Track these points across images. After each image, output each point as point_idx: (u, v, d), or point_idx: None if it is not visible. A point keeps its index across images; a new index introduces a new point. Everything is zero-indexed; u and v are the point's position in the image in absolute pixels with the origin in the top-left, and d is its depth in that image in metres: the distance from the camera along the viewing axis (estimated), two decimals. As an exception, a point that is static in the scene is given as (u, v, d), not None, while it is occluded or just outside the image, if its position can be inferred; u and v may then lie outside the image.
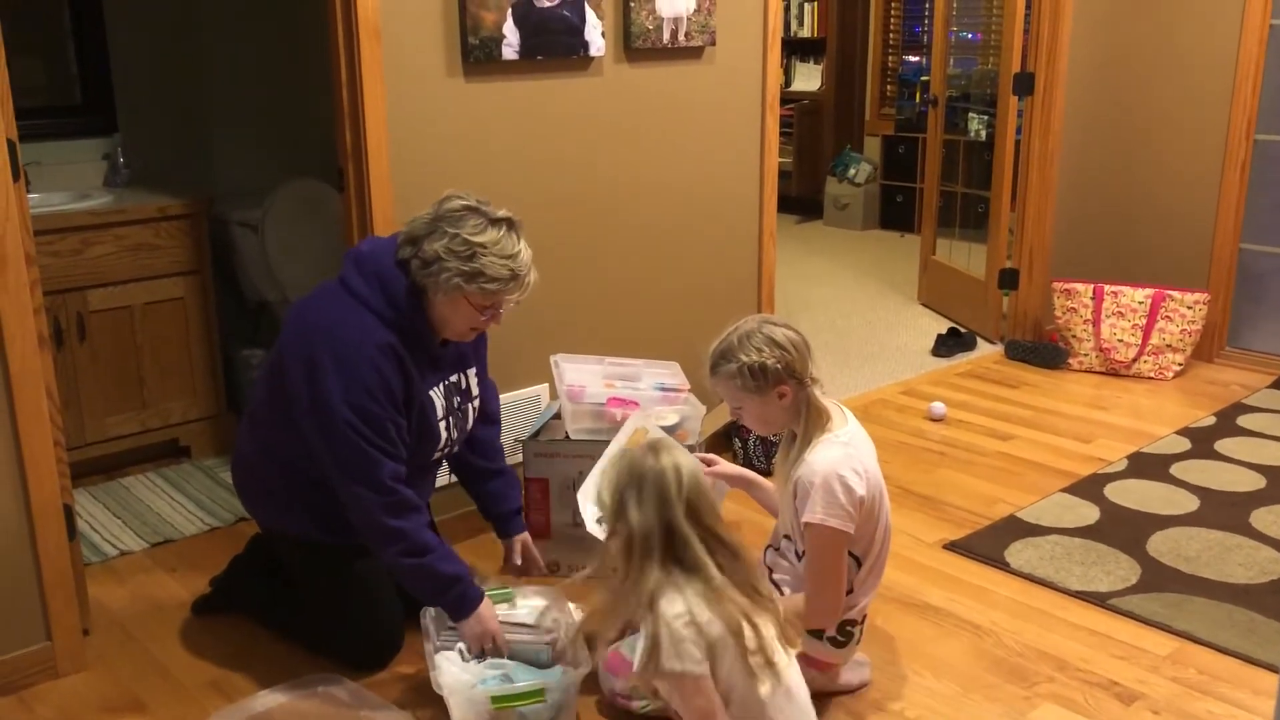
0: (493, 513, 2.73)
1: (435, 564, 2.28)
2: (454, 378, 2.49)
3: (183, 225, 3.51)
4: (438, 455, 2.51)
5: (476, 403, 2.58)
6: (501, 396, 3.02)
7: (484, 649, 2.29)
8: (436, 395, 2.43)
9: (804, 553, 2.21)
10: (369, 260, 2.32)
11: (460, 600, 2.29)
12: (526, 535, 2.73)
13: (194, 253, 3.55)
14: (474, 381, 2.56)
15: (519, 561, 2.72)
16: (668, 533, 1.83)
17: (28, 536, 2.36)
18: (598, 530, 2.23)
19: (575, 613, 2.37)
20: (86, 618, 2.57)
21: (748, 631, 1.83)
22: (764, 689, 1.85)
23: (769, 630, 1.86)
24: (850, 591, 2.24)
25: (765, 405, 2.19)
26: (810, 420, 2.18)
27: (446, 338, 2.38)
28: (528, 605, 2.40)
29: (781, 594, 2.27)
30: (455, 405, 2.49)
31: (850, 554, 2.21)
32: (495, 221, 2.26)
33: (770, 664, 1.84)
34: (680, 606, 1.81)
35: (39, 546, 2.37)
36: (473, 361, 2.56)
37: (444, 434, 2.46)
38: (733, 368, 2.17)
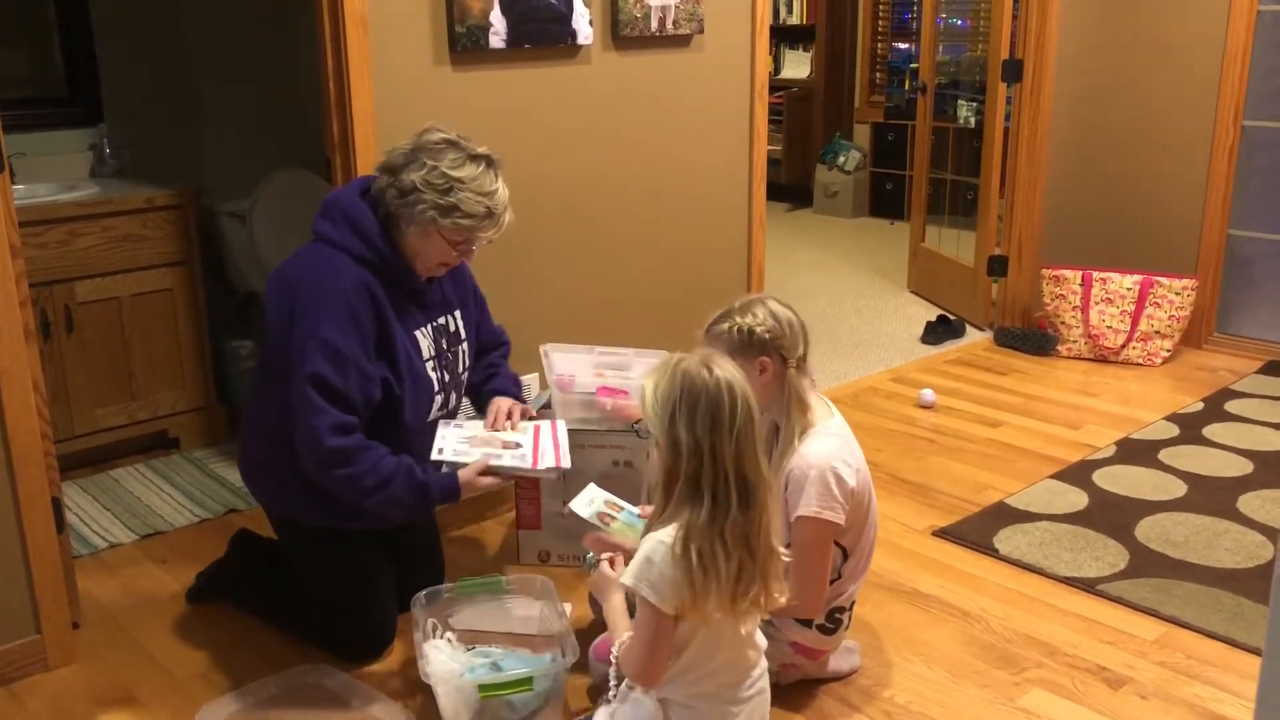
0: (484, 391, 2.63)
1: (398, 490, 2.26)
2: (441, 320, 2.47)
3: (170, 216, 3.50)
4: (435, 413, 2.48)
5: (467, 346, 2.56)
6: (491, 386, 3.02)
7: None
8: (423, 336, 2.41)
9: (789, 544, 2.21)
10: (334, 203, 2.32)
11: (444, 496, 2.32)
12: (505, 400, 2.58)
13: (182, 243, 3.54)
14: (462, 325, 2.54)
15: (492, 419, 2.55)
16: (711, 461, 1.76)
17: (16, 529, 2.35)
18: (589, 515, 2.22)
19: (567, 608, 2.38)
20: (76, 610, 2.57)
21: (733, 586, 1.78)
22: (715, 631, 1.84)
23: (753, 592, 1.81)
24: (838, 579, 2.25)
25: (746, 376, 2.18)
26: (792, 407, 2.18)
27: (419, 271, 2.35)
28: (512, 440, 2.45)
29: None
30: (444, 348, 2.47)
31: (837, 544, 2.22)
32: (475, 158, 2.27)
33: (738, 621, 1.83)
34: (669, 536, 1.78)
35: (27, 539, 2.36)
36: (458, 304, 2.54)
37: (434, 378, 2.43)
38: (725, 326, 2.18)
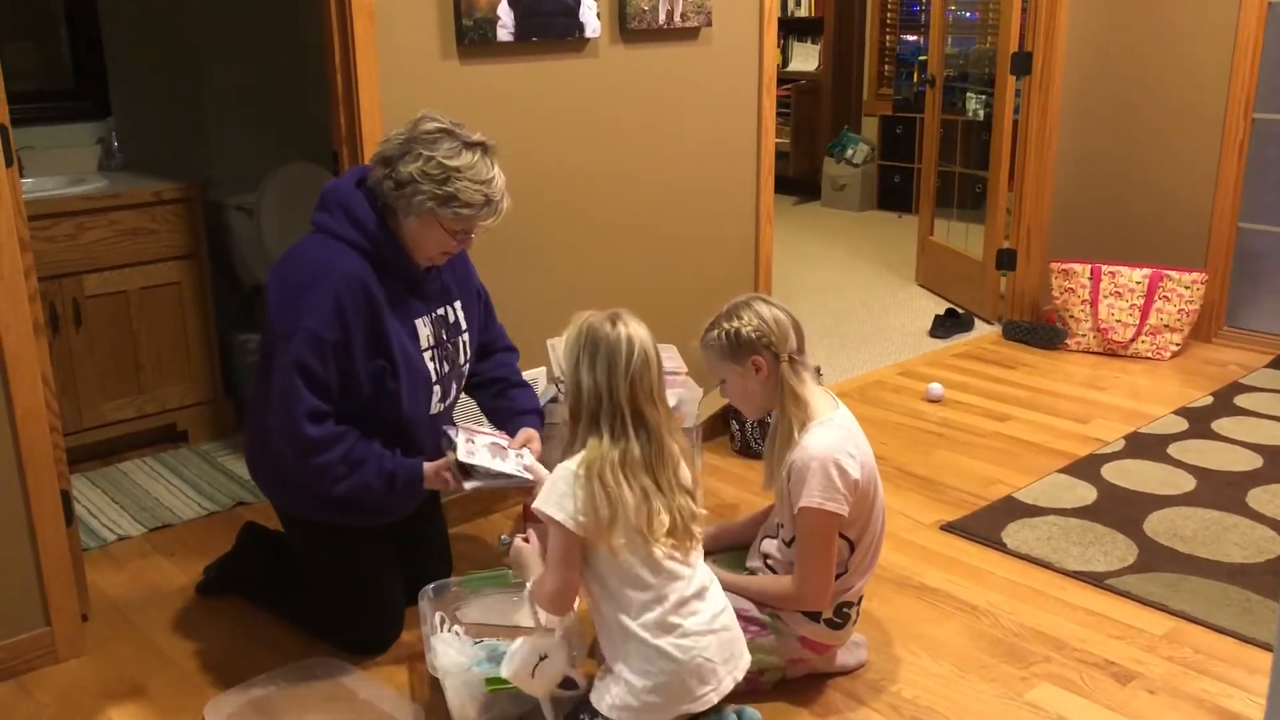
0: (509, 414, 2.61)
1: (364, 478, 2.27)
2: (440, 310, 2.46)
3: (178, 209, 3.50)
4: (436, 405, 2.46)
5: (468, 337, 2.54)
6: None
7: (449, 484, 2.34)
8: (423, 326, 2.40)
9: (794, 538, 2.21)
10: (331, 194, 2.32)
11: (409, 486, 2.33)
12: (532, 432, 2.56)
13: (189, 237, 3.54)
14: (461, 315, 2.52)
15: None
16: (609, 400, 1.95)
17: (25, 522, 2.36)
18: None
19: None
20: (85, 603, 2.58)
21: (641, 509, 1.94)
22: (648, 561, 1.95)
23: (662, 517, 1.96)
24: (845, 573, 2.25)
25: (743, 378, 2.22)
26: (786, 400, 2.19)
27: (417, 260, 2.35)
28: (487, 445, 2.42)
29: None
30: (444, 338, 2.46)
31: (843, 536, 2.22)
32: (470, 145, 2.25)
33: (651, 542, 1.95)
34: (574, 463, 1.94)
35: (37, 532, 2.37)
36: (458, 295, 2.52)
37: (432, 368, 2.42)
38: (714, 333, 2.23)
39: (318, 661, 2.40)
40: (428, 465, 2.34)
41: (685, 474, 2.03)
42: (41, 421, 2.34)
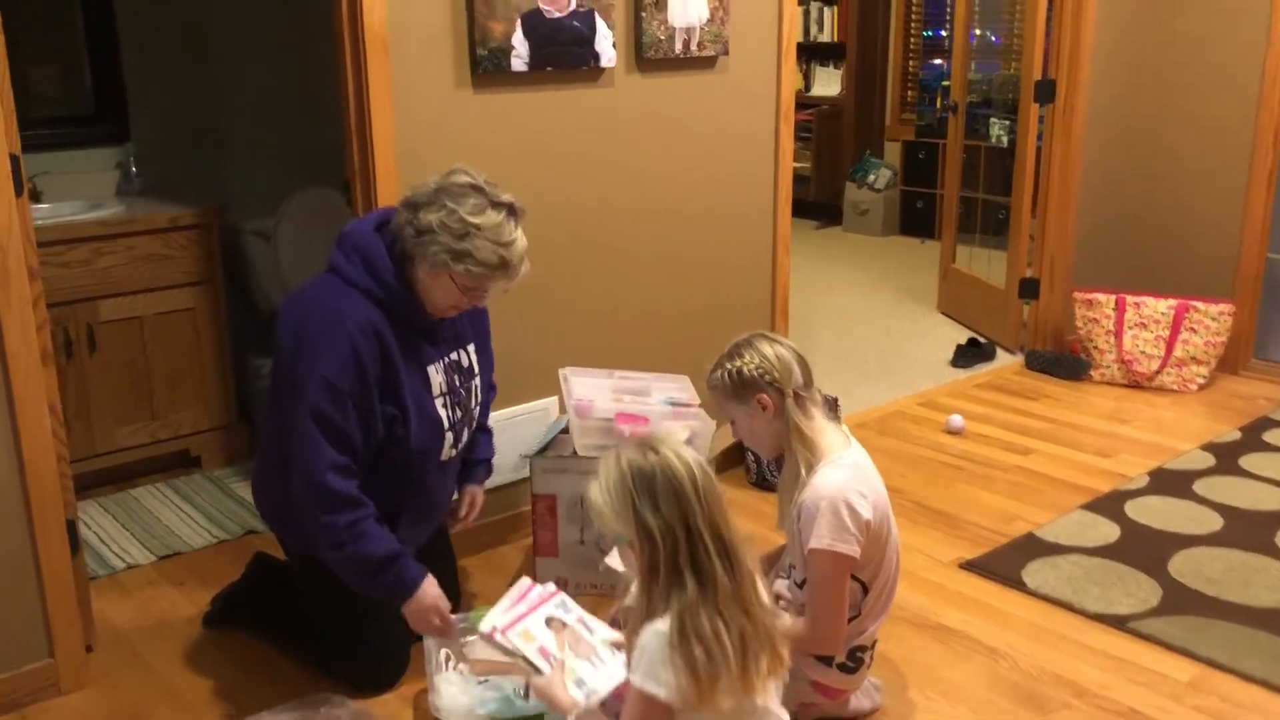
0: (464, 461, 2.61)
1: (360, 549, 2.22)
2: (453, 355, 2.44)
3: (194, 235, 3.50)
4: (448, 451, 2.44)
5: (479, 381, 2.53)
6: (508, 409, 2.99)
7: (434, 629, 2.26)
8: (436, 373, 2.38)
9: (805, 579, 2.17)
10: (349, 236, 2.31)
11: (398, 584, 2.26)
12: (476, 488, 2.63)
13: (205, 262, 3.55)
14: (475, 359, 2.51)
15: (460, 514, 2.63)
16: (686, 533, 1.71)
17: (30, 552, 2.34)
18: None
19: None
20: (90, 634, 2.56)
21: (741, 659, 1.72)
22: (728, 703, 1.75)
23: (761, 661, 1.75)
24: (858, 616, 2.20)
25: (750, 417, 2.19)
26: (793, 438, 2.15)
27: (427, 310, 2.32)
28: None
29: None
30: (456, 384, 2.44)
31: (856, 579, 2.17)
32: (497, 205, 2.24)
33: (754, 693, 1.76)
34: (665, 625, 1.72)
35: (42, 563, 2.35)
36: (471, 338, 2.51)
37: (444, 415, 2.40)
38: (717, 375, 2.20)
39: (322, 697, 2.37)
40: (425, 592, 2.28)
41: (761, 588, 1.81)
42: (48, 451, 2.33)
